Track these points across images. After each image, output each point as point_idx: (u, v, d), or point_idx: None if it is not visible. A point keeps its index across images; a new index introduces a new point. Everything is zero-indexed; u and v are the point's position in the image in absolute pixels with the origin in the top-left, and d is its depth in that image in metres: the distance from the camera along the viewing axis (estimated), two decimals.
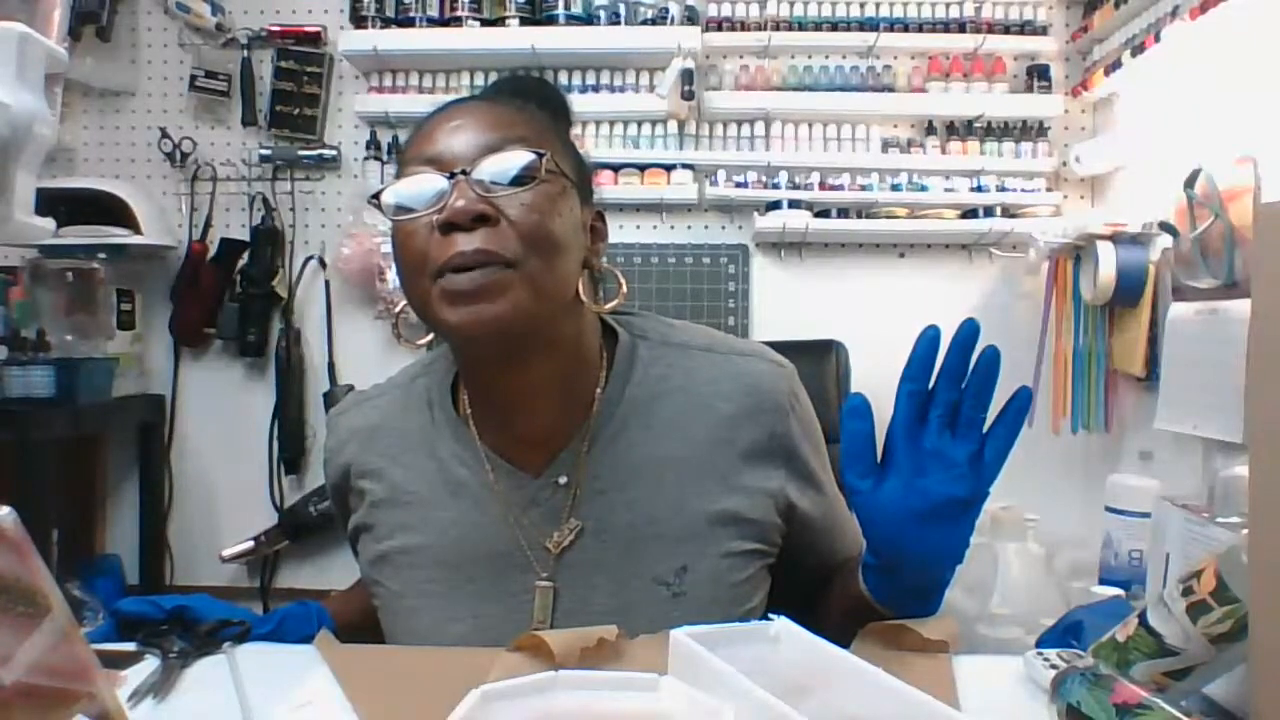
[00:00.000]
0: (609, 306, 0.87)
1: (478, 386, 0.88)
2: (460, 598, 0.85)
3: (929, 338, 0.70)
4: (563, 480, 0.85)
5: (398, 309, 0.87)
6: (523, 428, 0.85)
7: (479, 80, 2.12)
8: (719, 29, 2.10)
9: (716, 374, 0.87)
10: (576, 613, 0.83)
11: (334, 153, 2.18)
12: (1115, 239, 1.72)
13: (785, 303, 2.12)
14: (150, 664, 0.79)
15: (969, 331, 0.69)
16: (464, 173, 0.77)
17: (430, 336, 0.84)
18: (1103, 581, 1.35)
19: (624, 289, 0.88)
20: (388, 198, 0.80)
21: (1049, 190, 2.06)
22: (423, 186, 0.79)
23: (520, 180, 0.77)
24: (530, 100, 0.87)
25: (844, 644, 0.86)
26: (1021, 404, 0.70)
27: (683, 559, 0.83)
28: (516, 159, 0.78)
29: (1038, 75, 2.07)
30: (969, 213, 2.03)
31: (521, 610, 0.84)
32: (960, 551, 0.75)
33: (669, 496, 0.84)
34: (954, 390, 0.70)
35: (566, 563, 0.84)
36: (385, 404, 0.94)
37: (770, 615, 0.72)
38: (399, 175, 0.82)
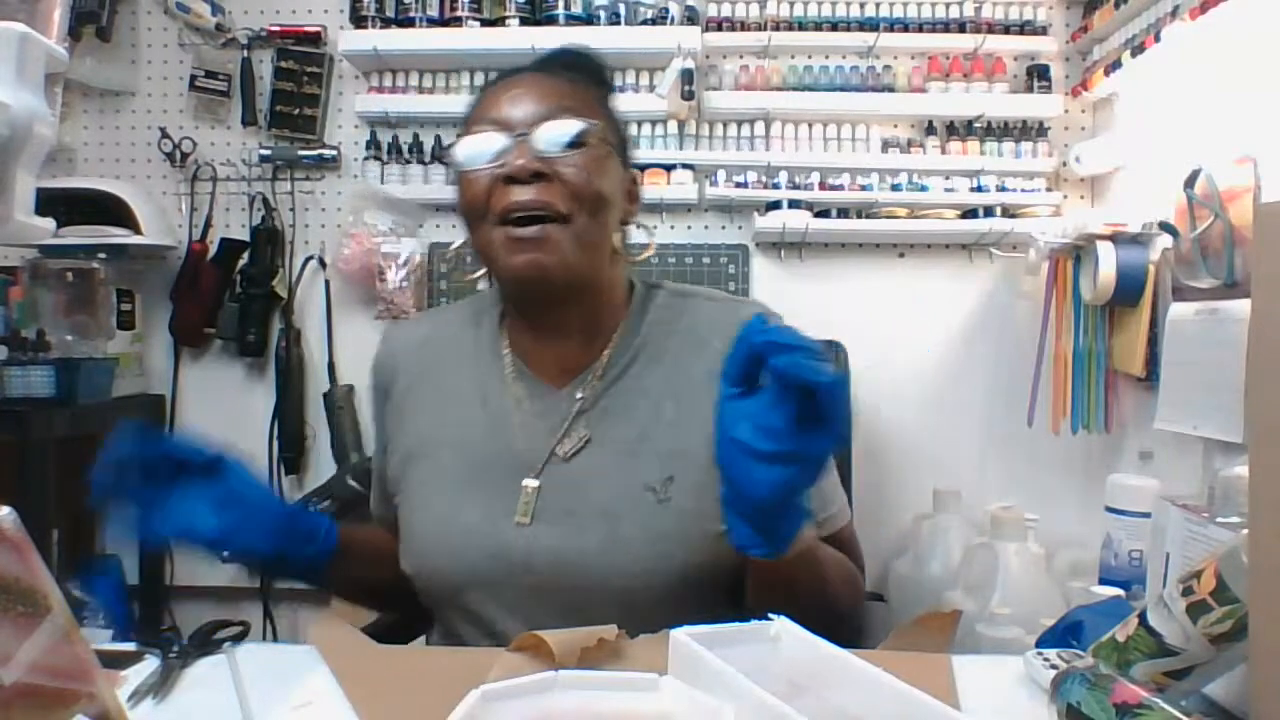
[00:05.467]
0: (642, 256, 1.03)
1: (520, 317, 1.00)
2: (474, 489, 0.95)
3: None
4: (579, 395, 0.96)
5: (455, 246, 0.98)
6: (553, 353, 0.99)
7: (479, 80, 2.11)
8: (719, 29, 2.09)
9: (717, 317, 1.00)
10: (574, 512, 0.92)
11: (334, 153, 2.18)
12: (1115, 239, 1.72)
13: (785, 303, 2.07)
14: (150, 664, 0.79)
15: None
16: (523, 135, 0.89)
17: (482, 272, 0.97)
18: (1103, 581, 1.35)
19: (652, 244, 1.05)
20: (457, 152, 0.92)
21: (1049, 190, 2.05)
22: (487, 144, 0.90)
23: (572, 145, 0.89)
24: (579, 73, 0.99)
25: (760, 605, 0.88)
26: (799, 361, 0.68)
27: (671, 471, 0.92)
28: (569, 127, 0.90)
29: (1038, 75, 2.06)
30: (969, 213, 2.02)
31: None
32: (785, 497, 0.73)
33: (664, 419, 0.95)
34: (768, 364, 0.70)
35: (572, 467, 0.94)
36: (439, 319, 1.11)
37: (770, 615, 0.72)
38: (464, 134, 0.93)
